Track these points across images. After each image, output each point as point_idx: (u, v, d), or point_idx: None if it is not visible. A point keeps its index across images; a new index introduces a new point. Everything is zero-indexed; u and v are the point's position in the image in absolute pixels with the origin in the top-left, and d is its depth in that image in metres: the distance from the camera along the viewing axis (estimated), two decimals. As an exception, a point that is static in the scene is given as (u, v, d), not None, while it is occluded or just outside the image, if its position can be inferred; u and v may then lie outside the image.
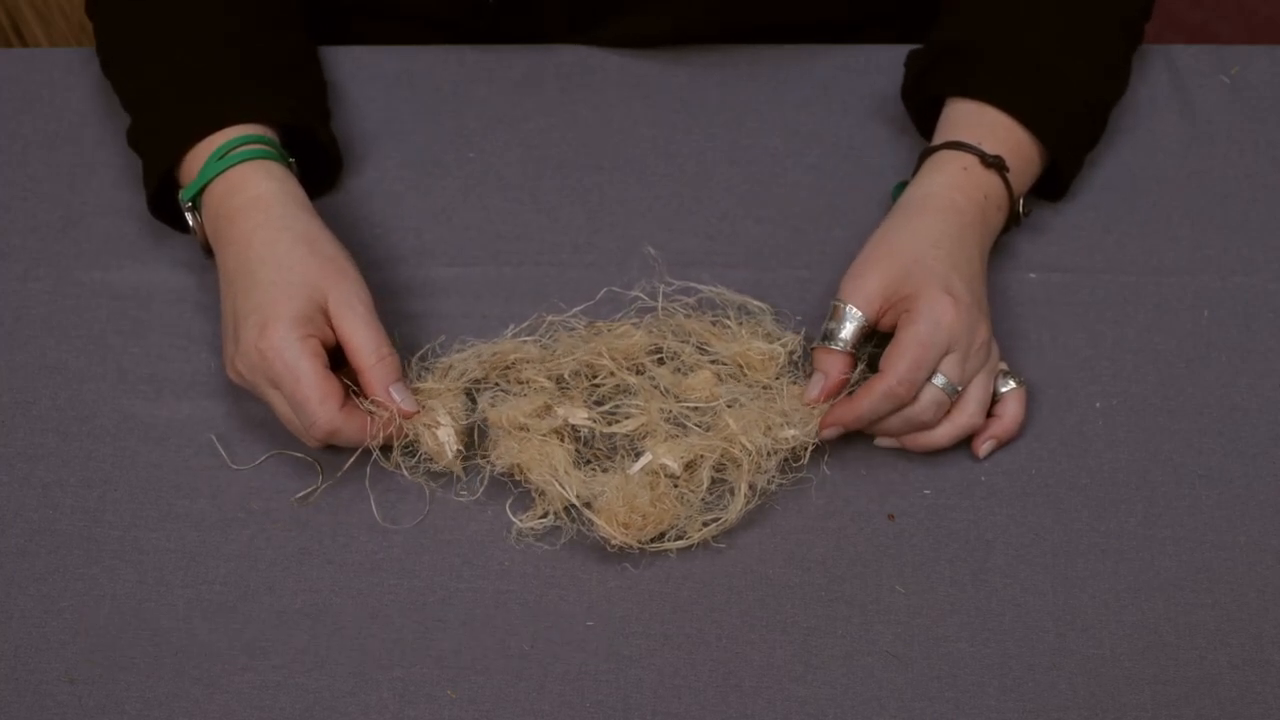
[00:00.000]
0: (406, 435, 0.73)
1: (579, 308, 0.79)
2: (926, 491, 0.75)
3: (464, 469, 0.74)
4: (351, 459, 0.74)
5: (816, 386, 0.74)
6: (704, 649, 0.70)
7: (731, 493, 0.72)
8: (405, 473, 0.73)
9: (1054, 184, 0.84)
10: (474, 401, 0.75)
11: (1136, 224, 0.85)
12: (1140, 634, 0.70)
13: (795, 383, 0.76)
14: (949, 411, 0.74)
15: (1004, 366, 0.77)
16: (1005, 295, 0.81)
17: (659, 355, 0.77)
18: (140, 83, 0.82)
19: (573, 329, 0.78)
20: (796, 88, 0.92)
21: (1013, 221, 0.81)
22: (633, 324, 0.78)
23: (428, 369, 0.76)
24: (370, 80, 0.92)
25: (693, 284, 0.80)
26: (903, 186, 0.82)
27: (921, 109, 0.86)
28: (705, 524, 0.71)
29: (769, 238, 0.85)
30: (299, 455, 0.75)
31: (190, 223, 0.79)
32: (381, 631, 0.70)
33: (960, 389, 0.73)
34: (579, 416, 0.74)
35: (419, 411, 0.72)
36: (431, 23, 0.94)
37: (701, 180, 0.87)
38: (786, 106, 0.91)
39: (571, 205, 0.86)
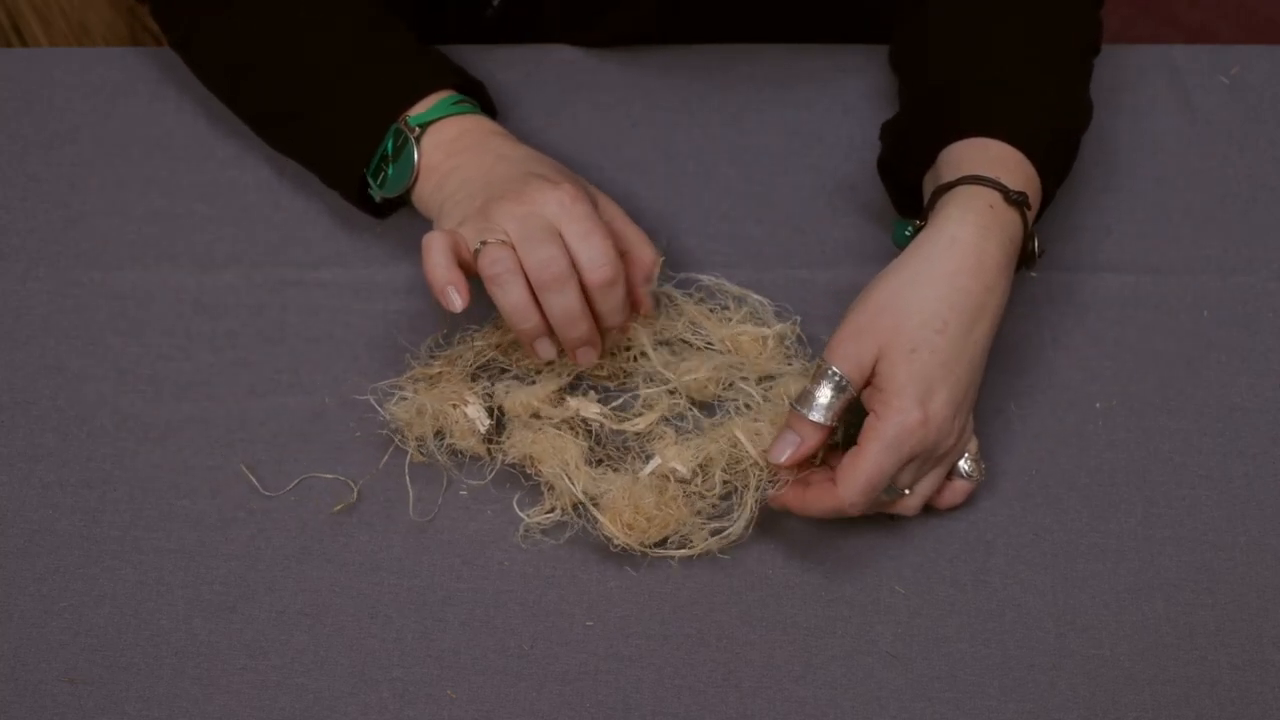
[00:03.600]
0: (437, 420, 0.73)
1: None
2: (926, 491, 0.75)
3: (480, 455, 0.74)
4: (386, 455, 0.74)
5: (787, 449, 0.68)
6: (704, 649, 0.70)
7: (737, 492, 0.71)
8: (437, 455, 0.73)
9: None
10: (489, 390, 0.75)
11: (1136, 224, 0.85)
12: (1140, 634, 0.70)
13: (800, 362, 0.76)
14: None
15: (972, 452, 0.72)
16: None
17: (657, 338, 0.77)
18: (328, 63, 0.81)
19: None
20: (796, 88, 0.92)
21: (1026, 263, 0.74)
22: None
23: (435, 357, 0.77)
24: (370, 80, 0.92)
25: (694, 275, 0.80)
26: (904, 226, 0.77)
27: (902, 178, 0.80)
28: (712, 533, 0.70)
29: (769, 238, 0.85)
30: (329, 477, 0.75)
31: (410, 140, 0.78)
32: (381, 631, 0.70)
33: (907, 491, 0.69)
34: (590, 410, 0.74)
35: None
36: (429, 22, 0.94)
37: (701, 180, 0.87)
38: (786, 106, 0.91)
39: (571, 205, 0.86)
